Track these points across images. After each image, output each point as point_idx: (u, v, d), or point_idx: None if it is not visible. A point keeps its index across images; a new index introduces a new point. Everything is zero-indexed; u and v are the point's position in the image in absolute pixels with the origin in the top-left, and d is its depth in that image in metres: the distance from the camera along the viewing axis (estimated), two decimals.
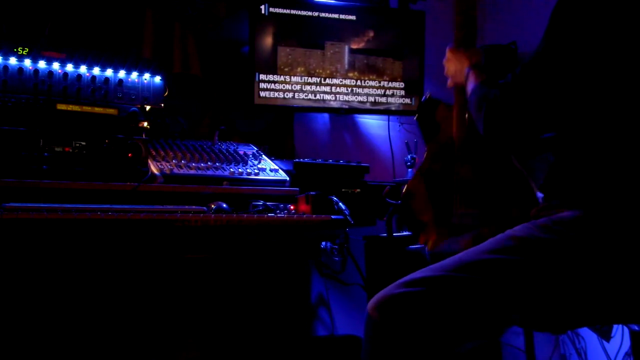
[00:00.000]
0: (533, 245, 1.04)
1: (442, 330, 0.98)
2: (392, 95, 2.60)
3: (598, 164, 1.06)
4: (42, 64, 1.71)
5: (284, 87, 2.39)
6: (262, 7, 2.35)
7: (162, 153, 1.80)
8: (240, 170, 1.83)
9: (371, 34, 2.55)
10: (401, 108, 2.63)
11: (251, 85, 2.34)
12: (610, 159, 1.05)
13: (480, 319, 1.01)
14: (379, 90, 2.58)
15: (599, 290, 1.01)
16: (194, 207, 1.58)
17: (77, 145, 1.64)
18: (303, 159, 2.09)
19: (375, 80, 2.57)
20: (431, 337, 0.98)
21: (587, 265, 1.00)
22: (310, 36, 2.44)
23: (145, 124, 1.82)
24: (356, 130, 2.76)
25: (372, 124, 2.79)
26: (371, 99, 2.57)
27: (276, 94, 2.39)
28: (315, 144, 2.64)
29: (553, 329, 1.11)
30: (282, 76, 2.39)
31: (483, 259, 1.03)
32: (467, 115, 1.52)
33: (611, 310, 1.05)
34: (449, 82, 1.57)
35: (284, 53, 2.39)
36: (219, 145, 1.98)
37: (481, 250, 1.07)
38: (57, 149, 1.61)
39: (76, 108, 1.74)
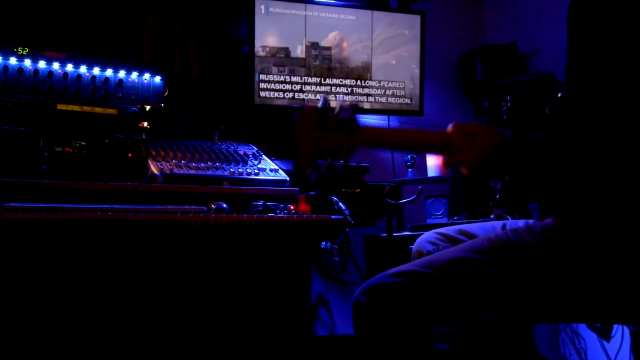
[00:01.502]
0: (505, 248, 1.10)
1: (415, 316, 1.07)
2: (392, 95, 2.61)
3: (571, 178, 1.10)
4: (42, 64, 1.71)
5: (284, 87, 2.39)
6: (262, 6, 2.35)
7: (162, 153, 1.80)
8: (240, 170, 1.83)
9: (371, 33, 2.55)
10: (401, 108, 2.64)
11: (251, 85, 2.34)
12: (579, 174, 1.08)
13: (449, 311, 1.10)
14: (379, 90, 2.58)
15: (557, 289, 1.07)
16: (194, 207, 1.58)
17: (77, 145, 1.64)
18: None
19: (375, 80, 2.57)
20: (405, 322, 1.07)
21: (550, 267, 1.07)
22: (311, 36, 2.44)
23: (145, 124, 1.82)
24: None
25: (372, 124, 2.79)
26: (371, 98, 2.57)
27: (276, 94, 2.39)
28: None
29: (516, 324, 1.18)
30: (282, 76, 2.39)
31: (456, 258, 1.11)
32: None
33: (569, 310, 1.12)
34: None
35: (283, 53, 2.40)
36: (219, 145, 1.98)
37: (460, 249, 1.14)
38: (57, 149, 1.61)
39: (76, 108, 1.74)
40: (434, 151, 1.25)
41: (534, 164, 1.10)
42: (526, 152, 1.10)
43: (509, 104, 2.50)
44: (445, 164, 1.15)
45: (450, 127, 1.13)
